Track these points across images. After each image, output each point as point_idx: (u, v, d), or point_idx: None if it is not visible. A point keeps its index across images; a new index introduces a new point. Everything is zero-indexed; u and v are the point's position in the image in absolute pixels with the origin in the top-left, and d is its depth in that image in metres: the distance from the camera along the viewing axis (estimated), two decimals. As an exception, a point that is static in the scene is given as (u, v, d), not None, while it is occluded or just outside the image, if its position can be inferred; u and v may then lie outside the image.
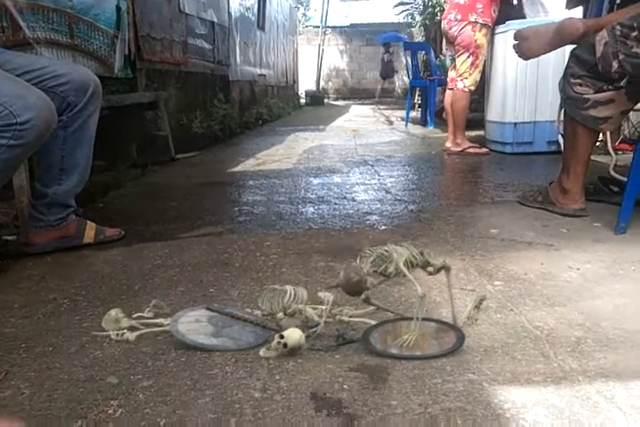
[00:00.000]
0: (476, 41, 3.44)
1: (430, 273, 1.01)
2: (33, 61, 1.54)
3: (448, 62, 3.79)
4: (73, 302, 1.24)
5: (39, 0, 2.40)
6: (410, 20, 10.93)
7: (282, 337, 0.95)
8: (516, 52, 1.94)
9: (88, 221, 1.69)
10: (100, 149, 1.73)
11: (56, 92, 1.47)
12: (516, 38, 1.92)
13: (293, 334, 0.95)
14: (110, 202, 2.35)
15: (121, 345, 1.04)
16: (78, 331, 1.11)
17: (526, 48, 1.89)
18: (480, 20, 3.40)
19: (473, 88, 3.58)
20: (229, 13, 5.74)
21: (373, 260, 0.96)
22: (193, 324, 1.01)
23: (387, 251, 0.96)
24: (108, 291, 1.32)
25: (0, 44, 1.91)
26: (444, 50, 3.88)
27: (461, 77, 3.53)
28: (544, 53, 1.90)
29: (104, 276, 1.43)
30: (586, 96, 1.75)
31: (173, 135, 3.59)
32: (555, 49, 1.87)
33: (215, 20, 5.17)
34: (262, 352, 0.97)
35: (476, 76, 3.53)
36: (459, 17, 3.44)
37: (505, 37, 3.36)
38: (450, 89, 3.70)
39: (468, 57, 3.48)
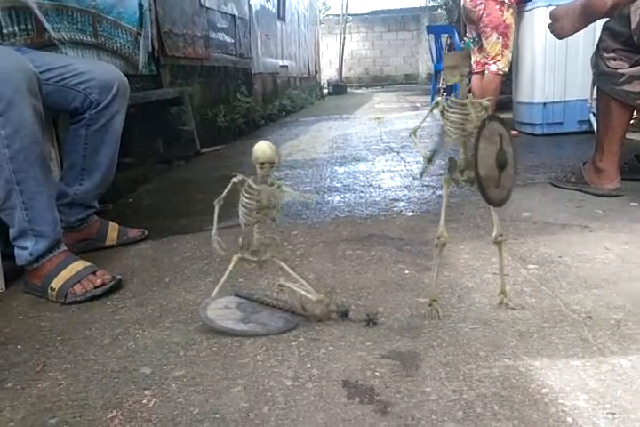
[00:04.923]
0: (504, 21, 3.29)
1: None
2: (56, 59, 1.54)
3: (471, 45, 3.66)
4: (105, 295, 1.26)
5: (63, 1, 2.43)
6: (432, 4, 10.73)
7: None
8: (551, 32, 1.89)
9: (111, 222, 1.66)
10: (126, 146, 1.71)
11: (79, 89, 1.46)
12: (550, 19, 1.87)
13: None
14: (139, 197, 2.38)
15: (153, 336, 1.05)
16: (111, 323, 1.12)
17: (559, 28, 1.84)
18: (506, 0, 3.28)
19: (507, 70, 3.42)
20: (250, 6, 5.72)
21: None
22: (222, 310, 1.01)
23: None
24: (139, 283, 1.34)
25: (25, 45, 1.93)
26: (467, 32, 3.79)
27: (494, 60, 3.38)
28: (576, 32, 1.84)
29: (135, 269, 1.44)
30: (620, 71, 1.68)
31: (198, 130, 3.61)
32: (585, 26, 1.81)
33: (236, 13, 5.16)
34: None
35: (509, 56, 3.38)
36: None
37: (532, 15, 3.26)
38: (475, 73, 3.60)
39: (498, 38, 3.33)
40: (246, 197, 0.97)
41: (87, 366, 0.96)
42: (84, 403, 0.85)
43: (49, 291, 1.25)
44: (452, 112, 0.98)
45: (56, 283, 1.25)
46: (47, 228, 1.27)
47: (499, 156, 0.93)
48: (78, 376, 0.93)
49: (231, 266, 1.03)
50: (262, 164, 0.92)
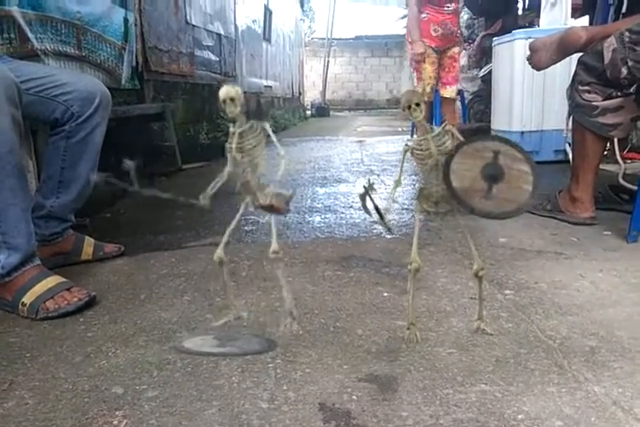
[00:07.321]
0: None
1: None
2: (38, 69, 1.52)
3: None
4: (78, 312, 1.23)
5: (47, 12, 2.43)
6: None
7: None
8: (530, 64, 1.95)
9: (87, 237, 1.62)
10: (106, 160, 1.68)
11: (60, 100, 1.43)
12: (529, 50, 1.93)
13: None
14: (117, 212, 2.35)
15: (126, 355, 1.02)
16: (83, 340, 1.09)
17: (536, 60, 1.90)
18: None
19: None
20: (236, 25, 5.79)
21: None
22: (199, 341, 1.03)
23: None
24: (113, 300, 1.31)
25: (7, 55, 1.91)
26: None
27: None
28: (552, 64, 1.90)
29: (110, 285, 1.42)
30: (594, 103, 1.74)
31: (180, 146, 3.60)
32: (561, 59, 1.87)
33: (222, 31, 5.22)
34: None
35: (420, 89, 3.90)
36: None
37: (511, 47, 3.37)
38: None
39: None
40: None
41: (57, 384, 0.93)
42: (51, 423, 0.82)
43: (20, 306, 1.22)
44: (418, 149, 1.01)
45: (28, 298, 1.21)
46: (21, 240, 1.23)
47: (487, 169, 0.93)
48: (47, 395, 0.90)
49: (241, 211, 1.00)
50: (224, 101, 0.92)
